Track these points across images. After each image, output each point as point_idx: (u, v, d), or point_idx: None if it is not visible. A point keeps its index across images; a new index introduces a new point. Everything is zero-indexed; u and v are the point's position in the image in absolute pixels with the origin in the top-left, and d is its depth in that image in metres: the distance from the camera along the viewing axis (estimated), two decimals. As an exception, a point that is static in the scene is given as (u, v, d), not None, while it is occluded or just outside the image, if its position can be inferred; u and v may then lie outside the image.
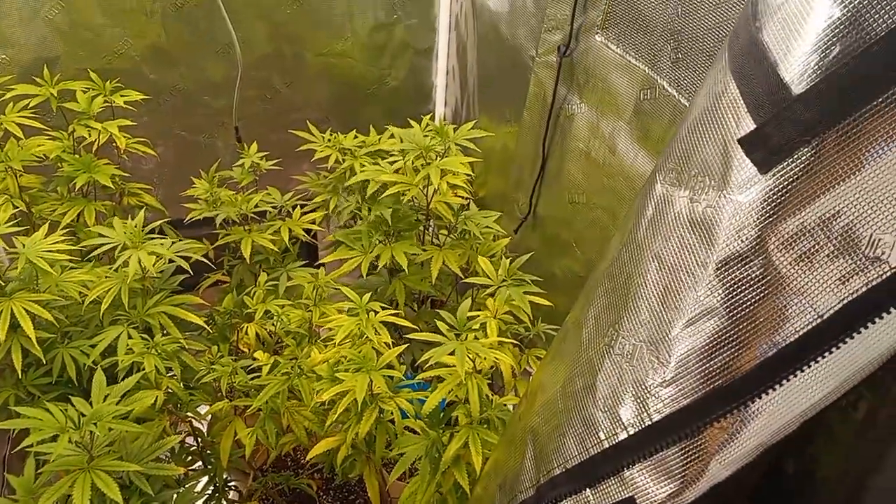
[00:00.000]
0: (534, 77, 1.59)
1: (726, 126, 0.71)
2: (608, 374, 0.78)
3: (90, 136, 1.60)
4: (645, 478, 0.73)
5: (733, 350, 0.68)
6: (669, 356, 0.71)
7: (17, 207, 1.61)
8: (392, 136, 1.78)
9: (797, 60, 0.63)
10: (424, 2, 2.19)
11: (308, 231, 1.80)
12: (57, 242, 1.38)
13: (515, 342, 1.26)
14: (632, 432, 0.74)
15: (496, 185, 1.94)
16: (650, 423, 0.73)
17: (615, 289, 0.81)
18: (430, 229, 1.72)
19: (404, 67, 2.31)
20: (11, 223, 1.36)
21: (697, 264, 0.70)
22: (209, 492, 1.54)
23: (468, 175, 1.48)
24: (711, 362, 0.69)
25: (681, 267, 0.72)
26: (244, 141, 1.90)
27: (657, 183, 0.79)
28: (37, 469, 1.26)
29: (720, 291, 0.68)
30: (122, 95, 1.66)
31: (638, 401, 0.74)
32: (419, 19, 2.22)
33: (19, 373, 1.33)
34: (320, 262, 1.70)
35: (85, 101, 1.60)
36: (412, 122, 1.67)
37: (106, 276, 1.45)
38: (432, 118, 2.38)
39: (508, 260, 1.29)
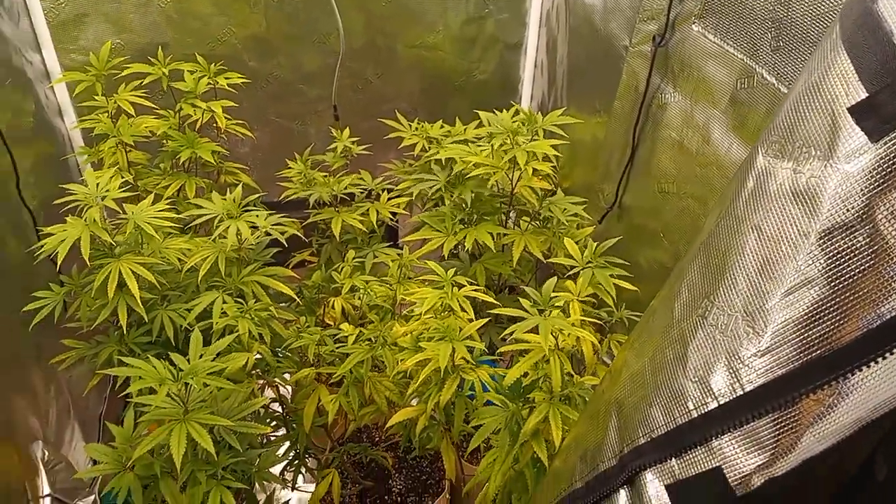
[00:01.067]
0: (627, 67, 1.59)
1: (835, 96, 0.70)
2: (700, 344, 0.77)
3: (195, 114, 1.69)
4: (734, 448, 0.73)
5: (834, 321, 0.67)
6: (766, 326, 0.71)
7: (125, 179, 1.72)
8: (478, 125, 1.80)
9: (916, 27, 0.62)
10: (516, -4, 2.22)
11: (392, 215, 1.85)
12: (162, 210, 1.47)
13: (598, 322, 1.26)
14: (722, 402, 0.74)
15: (580, 176, 1.94)
16: (742, 392, 0.72)
17: (710, 261, 0.81)
18: (511, 217, 1.74)
19: (493, 61, 2.34)
20: (122, 190, 1.46)
21: (799, 234, 0.70)
22: (289, 457, 1.60)
23: (553, 164, 1.49)
24: (810, 332, 0.68)
25: (781, 237, 0.71)
26: (329, 138, 1.96)
27: (759, 156, 0.79)
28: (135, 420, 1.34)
29: (822, 261, 0.68)
30: (225, 78, 1.75)
31: (730, 371, 0.73)
32: (510, 14, 2.24)
33: (124, 329, 1.42)
34: (402, 240, 1.74)
35: (192, 81, 1.70)
36: (496, 111, 1.69)
37: (204, 246, 1.53)
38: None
39: (595, 243, 1.29)
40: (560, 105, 2.08)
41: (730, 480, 0.73)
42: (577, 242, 1.51)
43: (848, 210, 0.66)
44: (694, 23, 1.39)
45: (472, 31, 2.27)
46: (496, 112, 1.69)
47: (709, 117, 1.37)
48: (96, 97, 1.73)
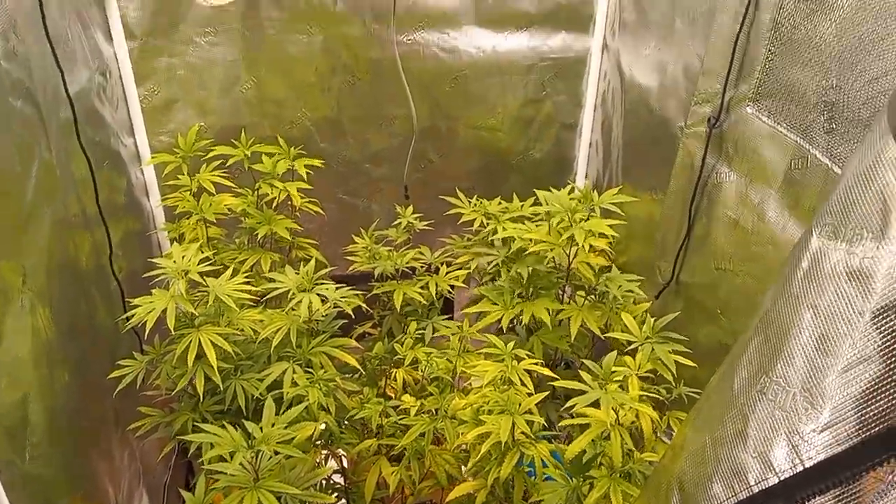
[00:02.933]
0: (682, 147, 1.64)
1: (886, 182, 0.73)
2: (760, 419, 0.79)
3: (272, 193, 1.81)
4: (796, 524, 0.73)
5: (891, 397, 0.68)
6: (824, 402, 0.73)
7: (205, 254, 1.83)
8: (534, 203, 1.87)
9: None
10: (572, 80, 2.32)
11: (450, 288, 1.91)
12: (240, 284, 1.57)
13: (658, 398, 1.28)
14: (783, 478, 0.75)
15: (636, 252, 1.97)
16: (802, 468, 0.74)
17: (768, 337, 0.83)
18: (567, 292, 1.78)
19: (549, 140, 2.43)
20: (204, 265, 1.56)
21: (854, 313, 0.72)
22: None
23: (609, 240, 1.54)
24: (868, 409, 0.69)
25: (837, 315, 0.74)
26: (391, 215, 2.05)
27: (813, 237, 0.82)
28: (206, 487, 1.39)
29: (877, 339, 0.70)
30: (303, 161, 1.88)
31: (791, 446, 0.75)
32: (567, 96, 2.34)
33: (201, 397, 1.49)
34: (462, 311, 1.79)
35: (270, 163, 1.82)
36: (554, 190, 1.77)
37: (276, 317, 1.61)
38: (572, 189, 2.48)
39: (653, 319, 1.32)
40: (615, 182, 2.14)
41: (792, 557, 0.74)
42: (634, 318, 1.54)
43: (901, 290, 0.69)
44: (748, 105, 1.44)
45: (529, 113, 2.37)
46: (552, 190, 1.77)
47: (764, 196, 1.41)
48: (180, 176, 1.87)
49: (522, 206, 1.97)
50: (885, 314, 0.69)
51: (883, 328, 0.69)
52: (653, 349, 1.26)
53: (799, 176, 1.32)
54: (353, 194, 2.43)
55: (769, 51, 1.35)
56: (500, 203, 2.01)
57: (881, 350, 0.69)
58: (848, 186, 0.80)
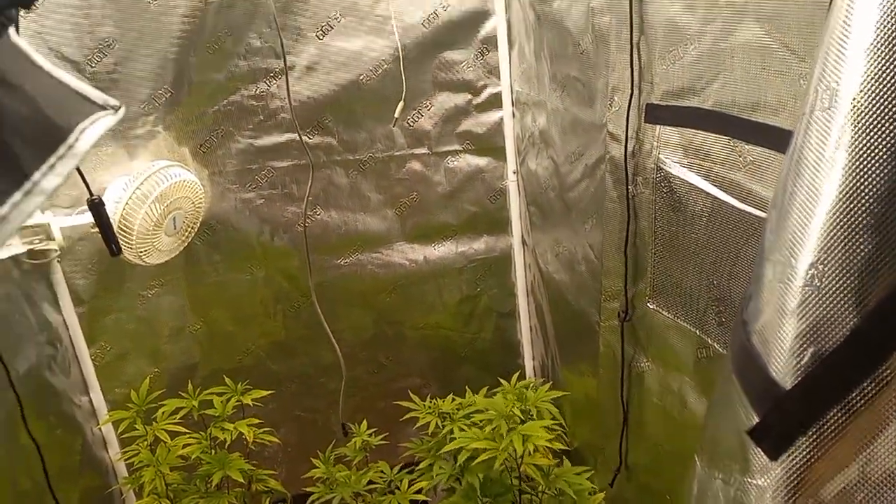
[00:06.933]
0: (602, 339, 1.76)
1: (738, 417, 0.83)
2: None
3: (222, 435, 1.86)
4: None
5: None
6: None
7: (164, 506, 1.84)
8: (489, 391, 1.95)
9: (780, 361, 0.77)
10: (502, 273, 2.48)
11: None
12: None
13: None
14: None
15: (588, 435, 2.03)
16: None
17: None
18: (527, 483, 1.81)
19: (491, 329, 2.54)
20: (161, 526, 1.57)
21: (739, 544, 0.79)
22: None
23: (560, 426, 1.60)
24: None
25: (726, 547, 0.81)
26: (352, 420, 2.10)
27: (697, 463, 0.91)
28: None
29: (764, 571, 0.76)
30: (251, 397, 1.94)
31: None
32: (499, 289, 2.49)
33: None
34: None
35: (220, 406, 1.88)
36: (501, 381, 1.86)
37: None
38: (522, 372, 2.57)
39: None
40: (557, 363, 2.24)
41: None
42: (591, 512, 1.58)
43: (771, 522, 0.76)
44: (648, 301, 1.58)
45: (468, 307, 2.50)
46: (500, 380, 1.86)
47: (681, 384, 1.50)
48: (136, 427, 1.91)
49: (476, 400, 2.03)
50: (764, 546, 0.77)
51: (765, 559, 0.76)
52: (602, 558, 1.29)
53: (706, 364, 1.42)
54: (310, 410, 2.47)
55: (653, 254, 1.51)
56: (453, 400, 2.08)
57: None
58: (713, 415, 0.90)
